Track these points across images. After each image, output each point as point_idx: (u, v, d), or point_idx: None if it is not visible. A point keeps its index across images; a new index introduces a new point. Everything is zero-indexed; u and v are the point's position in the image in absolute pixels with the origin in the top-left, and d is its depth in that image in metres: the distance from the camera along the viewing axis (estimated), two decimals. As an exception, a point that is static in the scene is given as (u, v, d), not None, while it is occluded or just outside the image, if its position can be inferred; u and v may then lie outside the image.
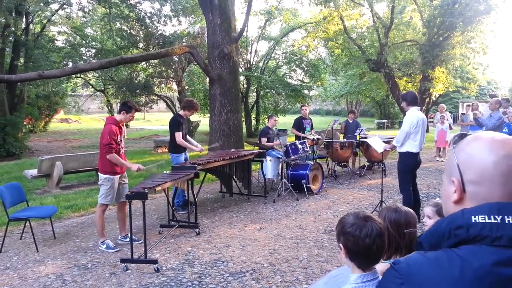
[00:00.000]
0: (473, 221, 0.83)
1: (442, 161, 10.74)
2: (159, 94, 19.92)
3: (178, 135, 5.83)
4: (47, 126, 23.60)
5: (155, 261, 4.00)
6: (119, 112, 4.68)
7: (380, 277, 1.40)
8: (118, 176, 4.61)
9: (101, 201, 4.55)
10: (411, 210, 1.92)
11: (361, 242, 1.35)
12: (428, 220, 2.18)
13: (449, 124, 11.03)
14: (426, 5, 16.63)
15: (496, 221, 0.81)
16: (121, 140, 4.60)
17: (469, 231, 0.83)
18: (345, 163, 9.22)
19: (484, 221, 0.82)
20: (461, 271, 0.80)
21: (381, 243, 1.38)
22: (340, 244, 1.42)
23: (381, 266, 1.72)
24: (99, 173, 4.63)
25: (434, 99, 19.58)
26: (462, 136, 0.97)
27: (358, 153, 9.12)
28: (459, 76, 20.90)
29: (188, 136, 6.28)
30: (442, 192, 1.00)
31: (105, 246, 4.52)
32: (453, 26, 14.52)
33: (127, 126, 4.89)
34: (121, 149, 4.58)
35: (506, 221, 0.81)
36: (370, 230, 1.36)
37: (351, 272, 1.41)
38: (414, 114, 5.13)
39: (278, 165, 7.07)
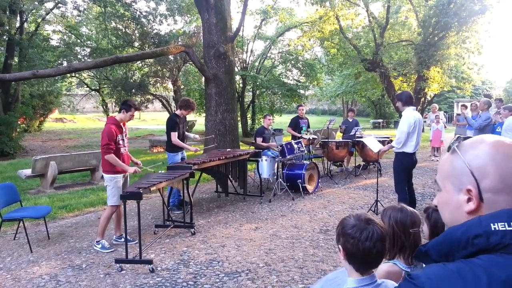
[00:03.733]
0: (493, 229, 0.78)
1: (437, 160, 10.77)
2: (154, 93, 19.87)
3: (174, 135, 5.84)
4: (41, 125, 23.44)
5: (150, 262, 3.98)
6: (120, 111, 4.70)
7: (379, 281, 1.38)
8: (121, 175, 4.60)
9: (109, 203, 4.56)
10: (415, 210, 1.92)
11: (361, 245, 1.32)
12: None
13: (444, 124, 11.09)
14: (422, 5, 16.69)
15: None
16: (122, 139, 4.59)
17: (489, 240, 0.78)
18: (340, 162, 9.23)
19: (504, 228, 0.77)
20: (489, 284, 0.74)
21: (382, 248, 1.33)
22: (339, 246, 1.38)
23: (385, 267, 1.70)
24: (103, 174, 4.65)
25: (429, 98, 19.64)
26: (464, 140, 0.91)
27: (354, 152, 9.14)
28: (454, 76, 20.98)
29: (186, 133, 6.29)
30: (441, 200, 0.92)
31: (100, 246, 4.49)
32: (448, 26, 14.57)
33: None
34: (121, 148, 4.57)
35: None
36: (371, 233, 1.32)
37: (348, 276, 1.37)
38: (410, 114, 5.13)
39: (273, 165, 7.07)
